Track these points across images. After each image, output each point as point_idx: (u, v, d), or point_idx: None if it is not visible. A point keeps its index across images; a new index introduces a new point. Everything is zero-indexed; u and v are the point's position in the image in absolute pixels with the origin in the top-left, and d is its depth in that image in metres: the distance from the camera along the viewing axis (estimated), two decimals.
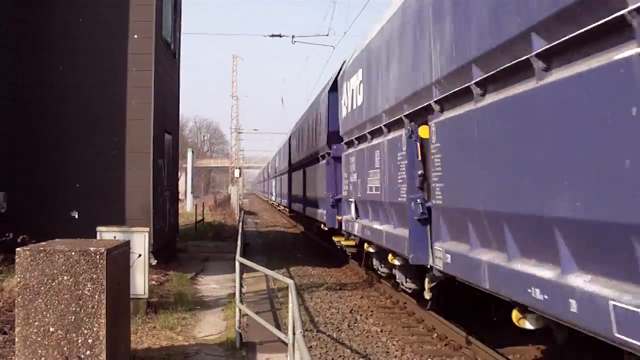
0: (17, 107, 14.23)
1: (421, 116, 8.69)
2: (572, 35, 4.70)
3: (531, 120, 5.45)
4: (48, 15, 14.53)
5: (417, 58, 8.74)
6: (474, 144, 6.82)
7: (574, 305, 4.84)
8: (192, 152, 55.99)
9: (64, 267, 6.00)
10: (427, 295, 9.46)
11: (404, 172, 9.31)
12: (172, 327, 9.97)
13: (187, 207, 45.32)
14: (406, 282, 10.70)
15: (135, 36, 14.49)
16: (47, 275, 5.98)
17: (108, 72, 14.51)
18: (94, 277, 6.02)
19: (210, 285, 14.97)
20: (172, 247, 19.14)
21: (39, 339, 5.93)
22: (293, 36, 32.31)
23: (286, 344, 7.30)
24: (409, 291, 10.96)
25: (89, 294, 6.01)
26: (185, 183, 49.95)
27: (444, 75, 7.58)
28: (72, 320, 5.97)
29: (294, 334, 6.50)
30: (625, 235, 4.16)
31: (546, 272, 5.31)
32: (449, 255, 7.76)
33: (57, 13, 14.56)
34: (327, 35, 44.45)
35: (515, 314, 6.25)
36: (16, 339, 5.99)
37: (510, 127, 5.91)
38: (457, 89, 7.18)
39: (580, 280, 4.84)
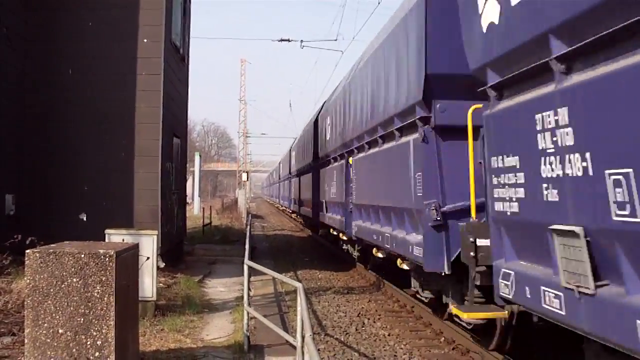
0: (25, 110, 14.30)
1: (352, 154, 14.81)
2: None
3: (380, 162, 11.85)
4: (57, 18, 14.60)
5: (346, 121, 15.65)
6: (364, 171, 13.42)
7: (391, 243, 10.83)
8: (200, 155, 56.09)
9: (73, 269, 6.02)
10: (358, 257, 16.97)
11: (343, 184, 15.90)
12: (180, 330, 9.99)
13: (195, 210, 45.39)
14: (353, 251, 17.01)
15: (145, 40, 14.54)
16: (56, 277, 6.00)
17: (117, 75, 14.56)
18: (103, 279, 6.04)
19: (218, 288, 14.98)
20: (180, 250, 19.17)
21: (48, 341, 5.95)
22: (301, 41, 32.48)
23: (294, 347, 7.30)
24: (356, 258, 17.27)
25: (98, 296, 6.02)
26: (192, 187, 50.04)
27: (356, 136, 14.21)
28: (81, 322, 5.99)
29: (302, 337, 6.50)
30: (400, 211, 10.40)
31: (385, 229, 11.55)
32: (357, 228, 14.25)
33: (66, 16, 14.63)
34: (336, 40, 44.47)
35: (374, 251, 12.94)
36: (25, 340, 6.01)
37: (374, 166, 12.38)
38: (360, 144, 13.79)
39: (391, 231, 11.02)
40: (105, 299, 6.03)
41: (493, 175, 6.46)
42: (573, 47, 4.83)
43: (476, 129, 7.82)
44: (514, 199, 5.98)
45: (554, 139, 5.07)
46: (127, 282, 6.64)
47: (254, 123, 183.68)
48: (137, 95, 14.49)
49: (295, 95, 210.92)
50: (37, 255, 6.04)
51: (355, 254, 16.82)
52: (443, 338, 10.10)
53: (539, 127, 5.33)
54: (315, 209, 23.23)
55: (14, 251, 10.23)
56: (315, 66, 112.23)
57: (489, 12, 6.28)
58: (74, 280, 6.02)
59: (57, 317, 5.98)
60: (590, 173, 4.57)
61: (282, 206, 58.18)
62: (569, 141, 4.85)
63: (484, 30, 6.42)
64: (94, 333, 5.99)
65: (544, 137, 5.26)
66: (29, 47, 14.41)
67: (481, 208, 7.70)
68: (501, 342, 7.83)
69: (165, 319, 10.47)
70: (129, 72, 14.47)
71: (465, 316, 7.85)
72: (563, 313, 5.12)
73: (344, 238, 16.93)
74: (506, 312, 6.88)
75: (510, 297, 6.19)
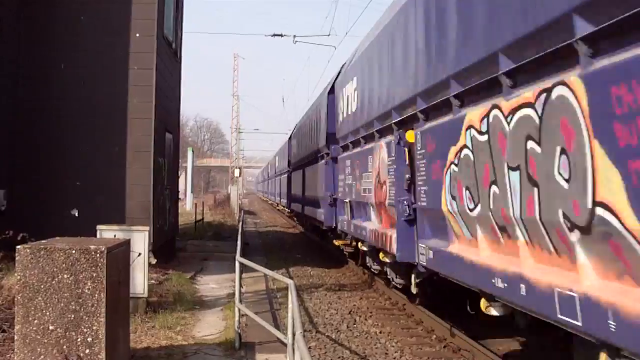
0: (17, 104, 14.22)
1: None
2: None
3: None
4: (49, 12, 14.52)
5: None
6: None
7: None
8: (192, 151, 56.00)
9: (64, 265, 5.99)
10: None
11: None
12: (171, 327, 9.96)
13: (187, 206, 45.32)
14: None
15: (137, 34, 14.47)
16: (47, 273, 5.98)
17: (109, 70, 14.49)
18: (94, 275, 6.01)
19: (210, 284, 14.95)
20: (172, 246, 19.13)
21: (39, 337, 5.93)
22: (294, 36, 32.28)
23: (285, 345, 7.29)
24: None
25: (88, 292, 6.00)
26: (185, 182, 49.96)
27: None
28: (72, 318, 5.96)
29: (293, 334, 6.49)
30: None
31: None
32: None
33: (58, 10, 14.55)
34: (329, 35, 44.34)
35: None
36: (15, 337, 5.99)
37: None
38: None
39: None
40: (96, 295, 6.01)
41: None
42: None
43: None
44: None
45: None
46: (118, 279, 6.62)
47: (247, 118, 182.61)
48: (130, 90, 14.43)
49: (288, 91, 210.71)
50: (28, 251, 6.01)
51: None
52: (434, 336, 10.11)
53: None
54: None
55: (5, 247, 10.15)
56: (308, 61, 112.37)
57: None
58: (65, 276, 5.99)
59: (48, 313, 5.95)
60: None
61: (274, 202, 59.67)
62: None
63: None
64: (85, 330, 5.97)
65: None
66: (22, 41, 14.31)
67: None
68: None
69: (156, 315, 10.44)
70: (121, 66, 14.41)
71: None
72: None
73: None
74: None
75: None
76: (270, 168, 62.61)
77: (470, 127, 6.71)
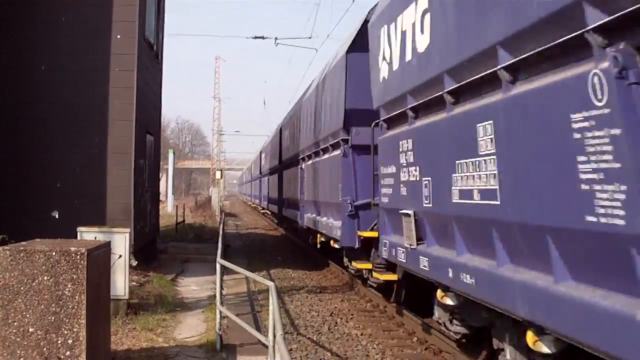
0: None
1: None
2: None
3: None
4: (30, 13, 14.40)
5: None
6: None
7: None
8: (174, 153, 55.73)
9: (44, 267, 5.97)
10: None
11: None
12: (152, 329, 9.94)
13: (168, 208, 45.09)
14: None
15: (118, 36, 14.40)
16: (27, 275, 5.94)
17: (90, 72, 14.40)
18: (75, 277, 5.99)
19: (191, 286, 14.93)
20: (153, 248, 19.05)
21: (18, 340, 5.89)
22: (276, 38, 32.24)
23: (266, 346, 7.31)
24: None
25: (69, 294, 5.98)
26: (166, 184, 49.74)
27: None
28: (52, 320, 5.94)
29: (274, 336, 6.51)
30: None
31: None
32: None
33: (39, 11, 14.43)
34: (310, 37, 44.38)
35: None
36: None
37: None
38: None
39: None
40: (77, 297, 5.99)
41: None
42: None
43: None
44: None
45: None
46: (99, 281, 6.60)
47: (228, 121, 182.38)
48: (110, 92, 14.34)
49: (269, 93, 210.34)
50: (8, 252, 5.97)
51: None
52: (416, 338, 10.18)
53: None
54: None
55: None
56: (290, 64, 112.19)
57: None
58: (45, 278, 5.96)
59: (28, 315, 5.92)
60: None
61: (254, 204, 62.05)
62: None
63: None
64: (65, 332, 5.95)
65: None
66: (2, 41, 14.19)
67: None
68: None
69: (137, 317, 10.41)
70: (102, 68, 14.32)
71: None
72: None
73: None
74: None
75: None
76: (252, 170, 63.53)
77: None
